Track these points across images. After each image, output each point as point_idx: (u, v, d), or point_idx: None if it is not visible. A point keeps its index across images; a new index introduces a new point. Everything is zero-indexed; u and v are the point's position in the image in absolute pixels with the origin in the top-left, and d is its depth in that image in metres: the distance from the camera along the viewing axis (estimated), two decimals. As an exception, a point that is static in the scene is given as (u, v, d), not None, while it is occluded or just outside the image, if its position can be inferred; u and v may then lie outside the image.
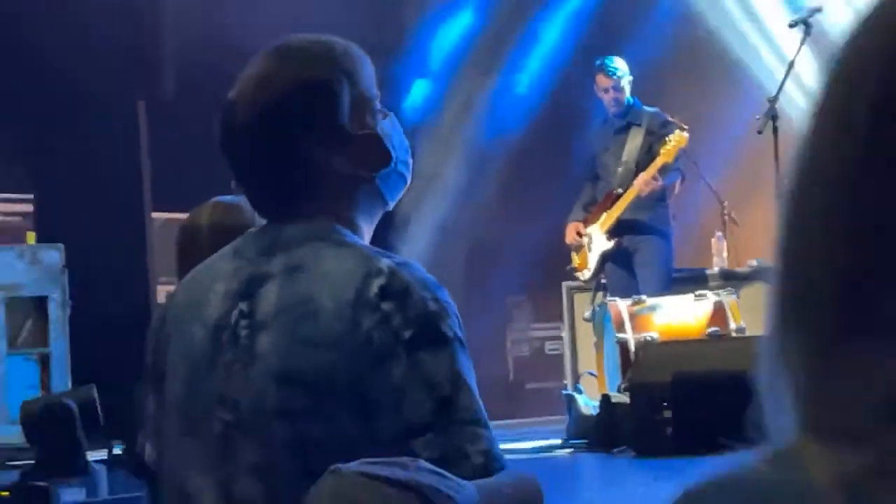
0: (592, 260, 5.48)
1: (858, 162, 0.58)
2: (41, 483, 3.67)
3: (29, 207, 5.44)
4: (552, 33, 7.43)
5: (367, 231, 1.72)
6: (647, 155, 5.46)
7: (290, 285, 1.63)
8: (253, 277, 1.66)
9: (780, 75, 5.47)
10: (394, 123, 1.71)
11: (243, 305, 1.65)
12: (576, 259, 5.61)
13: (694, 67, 7.28)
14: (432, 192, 6.80)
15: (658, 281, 5.46)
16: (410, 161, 1.75)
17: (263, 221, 1.77)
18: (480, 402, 1.59)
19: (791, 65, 5.01)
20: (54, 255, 4.80)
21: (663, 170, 5.35)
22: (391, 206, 1.75)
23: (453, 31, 7.43)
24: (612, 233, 5.44)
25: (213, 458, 1.68)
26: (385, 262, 1.58)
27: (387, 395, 1.59)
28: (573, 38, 7.35)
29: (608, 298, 5.34)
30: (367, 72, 1.75)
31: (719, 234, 5.96)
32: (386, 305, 1.55)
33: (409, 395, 1.58)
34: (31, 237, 5.21)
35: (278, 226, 1.69)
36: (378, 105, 1.71)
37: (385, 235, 6.00)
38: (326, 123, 1.66)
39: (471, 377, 1.60)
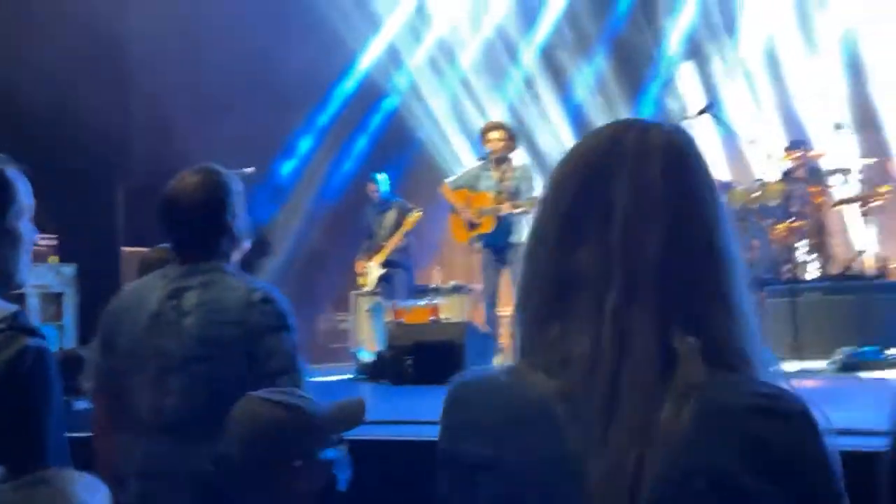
0: (373, 279, 8.89)
1: (560, 234, 1.07)
2: (64, 398, 5.00)
3: (54, 241, 8.19)
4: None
5: (236, 264, 2.65)
6: (397, 224, 8.80)
7: (206, 292, 2.51)
8: (179, 288, 2.53)
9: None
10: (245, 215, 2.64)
11: (173, 302, 2.52)
12: (360, 280, 9.03)
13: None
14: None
15: (405, 294, 8.77)
16: (252, 240, 2.74)
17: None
18: (303, 360, 2.54)
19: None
20: (70, 269, 7.62)
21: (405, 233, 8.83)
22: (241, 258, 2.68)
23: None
24: (383, 265, 8.85)
25: (151, 384, 2.50)
26: (258, 284, 2.56)
27: (263, 353, 2.47)
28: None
29: (381, 301, 8.64)
30: (240, 189, 2.68)
31: (438, 266, 9.73)
32: (264, 306, 2.49)
33: (275, 354, 2.47)
34: (53, 259, 7.98)
35: (194, 263, 2.57)
36: (244, 209, 2.66)
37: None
38: (230, 215, 2.58)
39: (298, 347, 2.55)
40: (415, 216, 8.82)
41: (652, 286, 1.08)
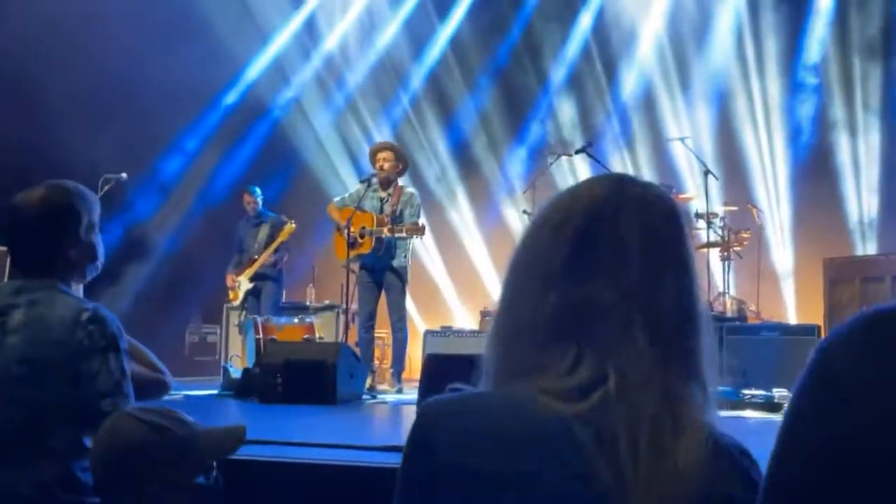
0: (241, 293, 8.82)
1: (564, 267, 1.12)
2: None
3: None
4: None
5: (77, 287, 2.56)
6: (270, 238, 8.87)
7: (32, 311, 2.43)
8: (7, 305, 2.45)
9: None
10: (100, 240, 2.58)
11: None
12: (231, 294, 8.95)
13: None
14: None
15: (272, 307, 8.73)
16: (101, 261, 2.62)
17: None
18: (131, 382, 2.43)
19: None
20: None
21: (277, 247, 8.87)
22: (88, 279, 2.59)
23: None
24: (251, 279, 8.84)
25: None
26: (89, 304, 2.45)
27: (88, 375, 2.37)
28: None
29: (250, 316, 8.47)
30: (95, 207, 2.58)
31: (311, 285, 9.64)
32: (91, 326, 2.40)
33: (101, 376, 2.38)
34: None
35: (25, 279, 2.50)
36: (96, 228, 2.56)
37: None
38: (70, 234, 2.51)
39: (128, 368, 2.44)
40: (289, 228, 8.86)
41: (671, 328, 1.18)
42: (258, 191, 9.12)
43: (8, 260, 2.88)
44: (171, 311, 9.79)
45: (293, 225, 8.87)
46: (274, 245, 8.79)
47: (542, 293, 1.19)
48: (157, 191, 10.31)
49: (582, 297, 1.17)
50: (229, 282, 8.96)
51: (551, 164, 9.43)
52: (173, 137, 10.44)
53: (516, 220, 10.38)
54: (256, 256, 8.80)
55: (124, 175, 7.46)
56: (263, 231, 8.92)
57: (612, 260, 1.19)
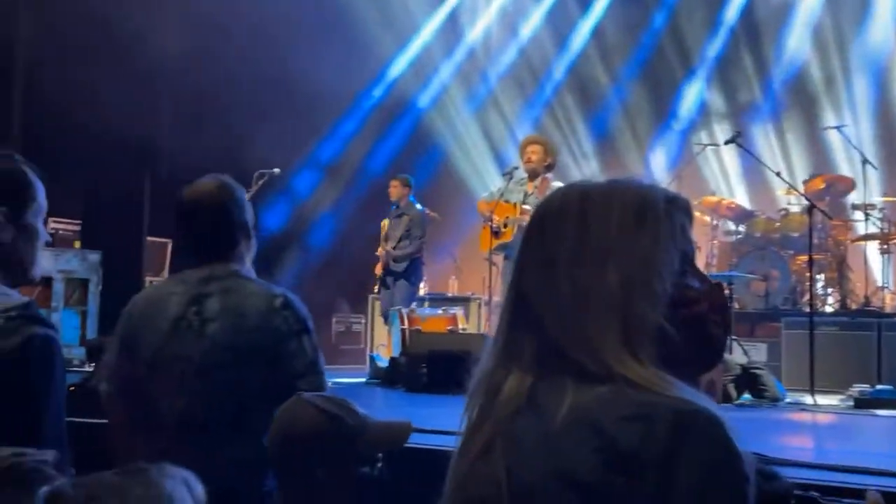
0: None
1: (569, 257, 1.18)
2: (95, 384, 4.85)
3: (77, 227, 8.25)
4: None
5: (250, 268, 2.67)
6: (407, 229, 8.70)
7: (227, 298, 2.55)
8: (200, 294, 2.56)
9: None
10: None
11: (194, 308, 2.55)
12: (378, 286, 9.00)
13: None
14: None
15: (406, 299, 8.63)
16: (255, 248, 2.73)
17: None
18: (323, 362, 2.59)
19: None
20: (96, 256, 7.70)
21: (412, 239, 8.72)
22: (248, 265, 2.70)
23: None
24: (385, 270, 8.79)
25: (173, 390, 2.51)
26: (278, 290, 2.59)
27: (284, 357, 2.52)
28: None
29: (394, 307, 8.46)
30: (247, 199, 2.76)
31: (453, 276, 9.70)
32: (285, 312, 2.55)
33: (297, 357, 2.53)
34: (77, 244, 8.04)
35: (210, 266, 2.60)
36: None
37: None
38: (243, 219, 2.66)
39: (319, 348, 2.60)
40: (420, 218, 8.80)
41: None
42: (406, 179, 8.99)
43: (169, 251, 3.04)
44: (318, 299, 10.07)
45: (433, 214, 8.81)
46: (413, 237, 8.72)
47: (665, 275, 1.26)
48: (308, 184, 10.62)
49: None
50: (378, 270, 8.94)
51: (697, 154, 9.22)
52: (324, 132, 10.72)
53: (661, 212, 10.13)
54: (393, 247, 8.79)
55: (277, 170, 7.71)
56: (403, 222, 8.83)
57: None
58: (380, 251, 8.79)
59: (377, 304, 9.22)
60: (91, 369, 4.94)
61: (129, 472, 1.03)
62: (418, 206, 8.99)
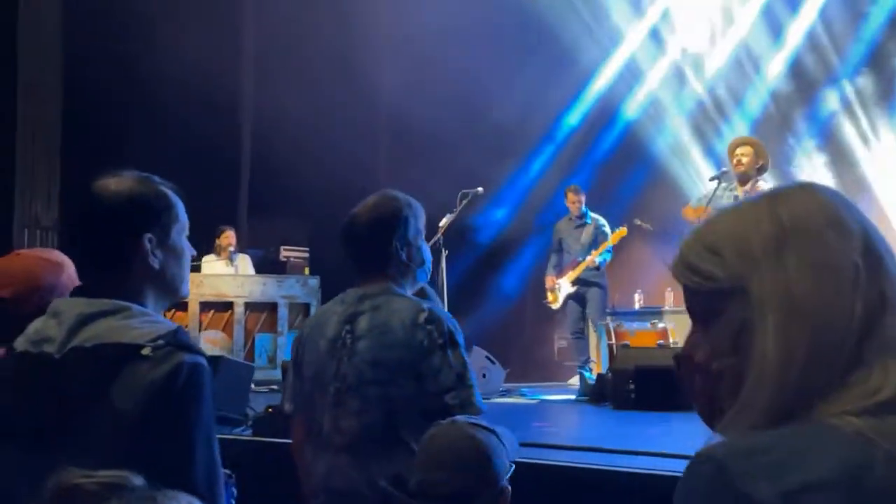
0: (560, 297, 8.63)
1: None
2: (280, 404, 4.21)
3: (306, 254, 8.79)
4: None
5: (408, 287, 2.72)
6: (595, 240, 8.52)
7: (375, 317, 2.61)
8: (353, 313, 2.63)
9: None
10: (424, 245, 2.74)
11: (348, 327, 2.62)
12: (550, 296, 8.69)
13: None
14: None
15: (599, 312, 8.41)
16: (430, 265, 2.78)
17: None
18: (473, 374, 2.57)
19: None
20: (315, 281, 8.21)
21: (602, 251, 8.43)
22: (421, 284, 2.78)
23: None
24: (574, 283, 8.51)
25: (330, 405, 2.59)
26: (424, 305, 2.62)
27: (431, 371, 2.54)
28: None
29: (602, 321, 8.30)
30: (421, 215, 2.75)
31: (669, 288, 9.30)
32: (429, 326, 2.56)
33: (443, 372, 2.53)
34: (306, 270, 8.61)
35: (367, 285, 2.68)
36: (422, 235, 2.74)
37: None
38: (399, 238, 2.67)
39: (469, 361, 2.58)
40: (620, 232, 8.50)
41: None
42: (579, 188, 8.75)
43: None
44: (538, 316, 10.16)
45: (625, 230, 8.53)
46: (601, 249, 8.44)
47: (850, 302, 1.03)
48: (512, 202, 10.70)
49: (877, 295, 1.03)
50: (549, 283, 8.73)
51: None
52: (528, 148, 10.77)
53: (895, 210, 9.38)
54: (580, 259, 8.51)
55: (480, 189, 7.83)
56: (587, 232, 8.56)
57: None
58: (589, 259, 8.48)
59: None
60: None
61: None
62: (595, 216, 8.76)
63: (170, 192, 1.89)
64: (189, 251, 1.93)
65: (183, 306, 8.19)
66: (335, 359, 2.62)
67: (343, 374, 2.59)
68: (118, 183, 1.83)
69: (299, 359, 2.74)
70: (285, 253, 9.61)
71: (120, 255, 1.80)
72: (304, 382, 2.71)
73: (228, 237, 9.02)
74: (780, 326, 1.02)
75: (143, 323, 1.73)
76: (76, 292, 1.82)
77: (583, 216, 8.66)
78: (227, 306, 8.54)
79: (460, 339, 2.60)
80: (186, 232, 1.94)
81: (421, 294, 2.92)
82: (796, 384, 1.00)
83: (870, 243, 1.06)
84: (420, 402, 2.51)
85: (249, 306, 8.50)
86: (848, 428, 0.97)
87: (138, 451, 1.58)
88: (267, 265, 9.49)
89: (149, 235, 1.82)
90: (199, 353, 1.74)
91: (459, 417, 2.24)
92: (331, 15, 9.63)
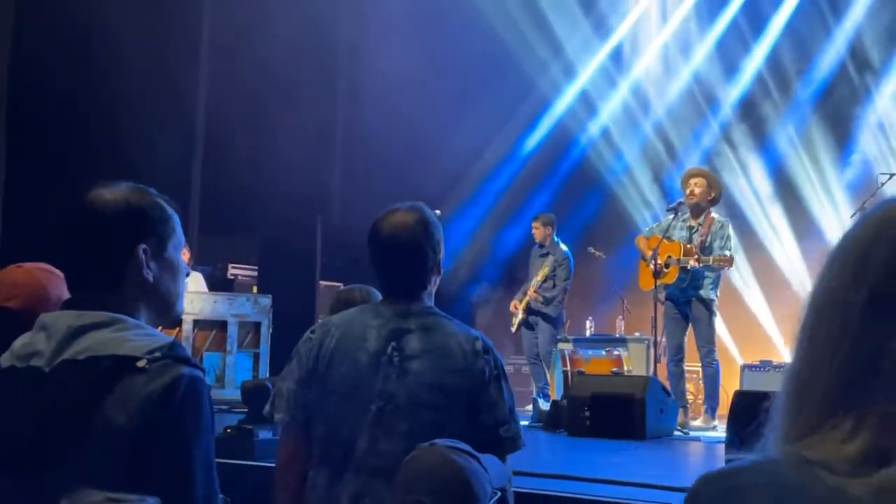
0: (516, 323, 8.89)
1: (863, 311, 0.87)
2: (248, 427, 4.71)
3: (254, 273, 8.70)
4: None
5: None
6: (551, 272, 8.64)
7: (428, 337, 2.49)
8: (397, 329, 2.51)
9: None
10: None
11: (394, 344, 2.49)
12: (513, 320, 8.97)
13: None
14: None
15: (546, 343, 8.63)
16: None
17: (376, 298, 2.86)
18: (515, 405, 2.56)
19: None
20: (266, 300, 8.09)
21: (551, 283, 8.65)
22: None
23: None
24: (525, 310, 8.79)
25: (367, 424, 2.45)
26: (475, 332, 2.55)
27: (486, 403, 2.48)
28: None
29: (549, 350, 8.45)
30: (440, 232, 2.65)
31: (620, 316, 9.46)
32: (486, 356, 2.49)
33: (498, 404, 2.48)
34: (255, 289, 8.50)
35: (406, 301, 2.56)
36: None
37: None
38: (437, 253, 2.59)
39: (513, 395, 2.58)
40: (595, 255, 8.71)
41: None
42: (548, 218, 8.86)
43: (334, 297, 2.99)
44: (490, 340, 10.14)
45: (596, 253, 8.69)
46: (539, 278, 8.59)
47: (836, 342, 0.93)
48: (470, 227, 10.71)
49: (878, 349, 0.90)
50: (511, 307, 8.91)
51: (883, 184, 8.61)
52: (488, 172, 10.80)
53: (842, 247, 9.53)
54: (537, 289, 8.69)
55: (438, 212, 7.82)
56: (546, 263, 8.69)
57: None
58: (530, 292, 8.68)
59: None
60: (245, 412, 4.95)
61: None
62: (563, 247, 8.83)
63: (167, 206, 1.83)
64: (184, 269, 1.88)
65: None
66: (379, 376, 2.47)
67: (390, 394, 2.45)
68: (113, 192, 1.76)
69: (319, 369, 2.51)
70: (233, 271, 9.48)
71: (112, 266, 1.73)
72: (325, 395, 2.50)
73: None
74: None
75: (138, 335, 1.66)
76: (65, 305, 1.74)
77: (547, 245, 8.79)
78: (175, 323, 8.37)
79: (504, 369, 2.56)
80: (182, 248, 1.89)
81: None
82: (784, 414, 0.98)
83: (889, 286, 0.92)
84: (473, 432, 2.41)
85: (198, 324, 8.35)
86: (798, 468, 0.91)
87: (134, 467, 1.53)
88: (214, 283, 9.36)
89: (143, 246, 1.75)
90: (197, 366, 1.68)
91: (439, 441, 2.17)
92: (285, 26, 9.55)
